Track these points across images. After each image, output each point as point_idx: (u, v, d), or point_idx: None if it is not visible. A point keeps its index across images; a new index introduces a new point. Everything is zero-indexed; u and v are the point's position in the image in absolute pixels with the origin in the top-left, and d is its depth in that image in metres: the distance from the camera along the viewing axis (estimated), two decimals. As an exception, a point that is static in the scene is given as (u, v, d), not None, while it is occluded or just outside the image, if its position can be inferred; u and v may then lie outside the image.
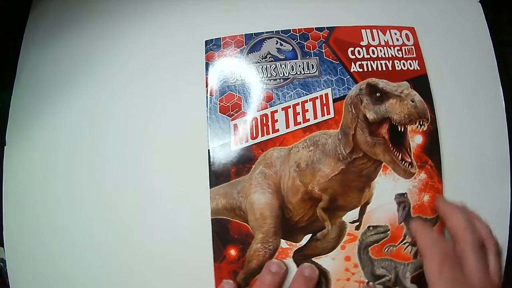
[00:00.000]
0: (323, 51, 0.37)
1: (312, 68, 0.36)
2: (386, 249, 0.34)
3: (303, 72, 0.36)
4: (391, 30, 0.38)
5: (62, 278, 0.36)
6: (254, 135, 0.35)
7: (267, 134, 0.35)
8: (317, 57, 0.37)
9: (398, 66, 0.37)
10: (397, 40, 0.37)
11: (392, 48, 0.37)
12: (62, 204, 0.37)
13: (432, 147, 0.35)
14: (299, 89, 0.36)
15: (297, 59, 0.37)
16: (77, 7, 0.42)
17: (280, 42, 0.37)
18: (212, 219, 0.34)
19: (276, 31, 0.38)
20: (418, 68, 0.37)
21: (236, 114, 0.36)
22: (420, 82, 0.36)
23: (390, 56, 0.37)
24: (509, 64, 0.38)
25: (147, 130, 0.38)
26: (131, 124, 0.38)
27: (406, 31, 0.38)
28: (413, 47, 0.37)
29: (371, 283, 0.33)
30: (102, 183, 0.37)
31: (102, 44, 0.41)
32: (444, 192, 0.35)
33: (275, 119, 0.35)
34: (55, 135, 0.39)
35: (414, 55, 0.37)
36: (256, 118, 0.35)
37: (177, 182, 0.37)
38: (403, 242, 0.34)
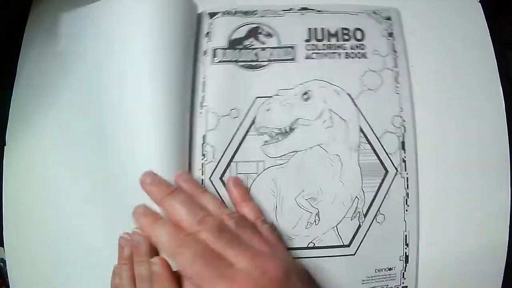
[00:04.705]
0: None
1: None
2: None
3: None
4: None
5: (62, 278, 0.36)
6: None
7: None
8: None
9: None
10: None
11: None
12: (62, 204, 0.37)
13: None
14: None
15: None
16: (78, 7, 0.42)
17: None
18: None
19: None
20: None
21: None
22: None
23: None
24: (509, 64, 0.38)
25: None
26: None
27: None
28: None
29: None
30: (104, 181, 0.37)
31: (104, 43, 0.40)
32: (445, 194, 0.35)
33: None
34: (55, 135, 0.39)
35: None
36: None
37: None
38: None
